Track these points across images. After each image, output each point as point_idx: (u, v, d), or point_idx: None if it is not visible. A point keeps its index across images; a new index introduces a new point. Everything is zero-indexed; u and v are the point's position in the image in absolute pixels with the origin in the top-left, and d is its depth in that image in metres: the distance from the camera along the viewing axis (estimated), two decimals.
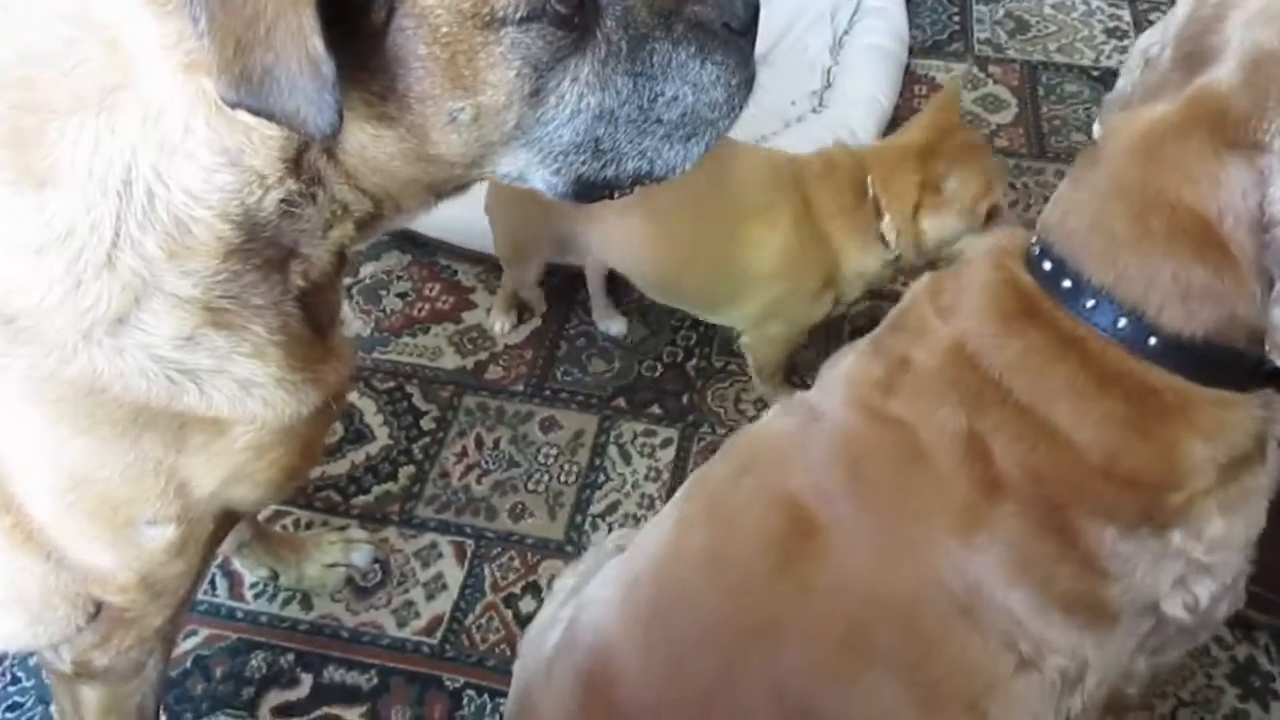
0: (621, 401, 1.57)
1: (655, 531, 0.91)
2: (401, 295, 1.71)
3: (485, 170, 0.74)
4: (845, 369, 0.86)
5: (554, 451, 1.50)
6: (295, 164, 0.68)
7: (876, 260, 1.39)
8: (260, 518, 1.35)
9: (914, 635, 0.75)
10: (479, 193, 1.71)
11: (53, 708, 1.18)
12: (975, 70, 1.41)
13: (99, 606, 0.83)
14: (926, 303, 0.84)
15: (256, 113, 0.59)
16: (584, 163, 0.74)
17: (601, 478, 1.47)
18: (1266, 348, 0.70)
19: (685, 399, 1.57)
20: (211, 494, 0.78)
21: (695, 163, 0.79)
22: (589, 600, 0.92)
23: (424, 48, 0.63)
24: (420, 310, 1.69)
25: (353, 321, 1.66)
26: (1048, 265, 0.78)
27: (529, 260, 1.56)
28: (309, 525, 1.41)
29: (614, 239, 1.42)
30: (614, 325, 1.65)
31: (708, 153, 0.78)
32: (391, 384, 1.58)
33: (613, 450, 1.50)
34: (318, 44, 0.56)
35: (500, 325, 1.66)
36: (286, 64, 0.56)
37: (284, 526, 1.40)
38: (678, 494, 0.94)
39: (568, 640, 0.90)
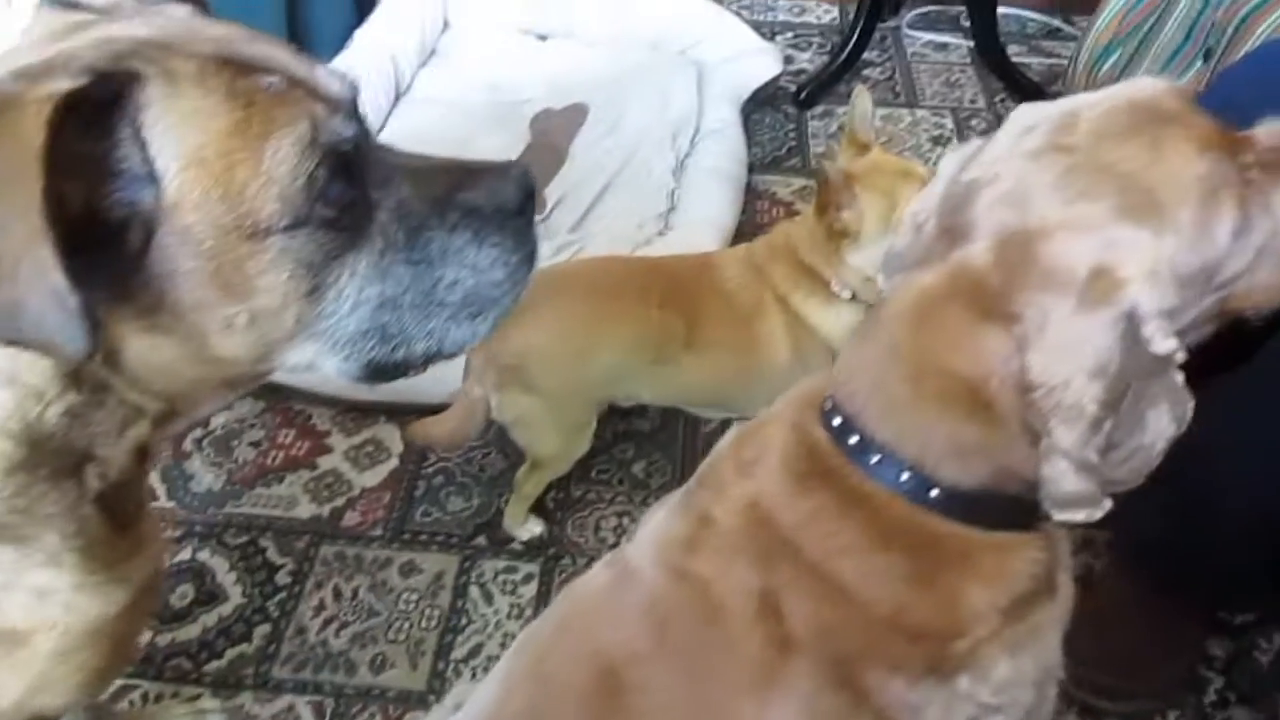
0: (482, 539, 1.57)
1: (484, 690, 0.92)
2: (254, 444, 1.70)
3: (274, 364, 0.76)
4: (654, 526, 0.89)
5: (414, 596, 1.49)
6: (75, 377, 0.69)
7: (845, 310, 1.44)
8: (101, 696, 1.31)
9: None
10: None
11: None
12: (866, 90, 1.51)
13: None
14: (729, 460, 0.87)
15: (11, 343, 0.61)
16: (373, 348, 0.76)
17: (464, 620, 1.46)
18: (1041, 500, 0.74)
19: (545, 532, 1.58)
20: (16, 704, 0.77)
21: (486, 337, 0.82)
22: None
23: (190, 262, 0.65)
24: (274, 459, 1.68)
25: (203, 475, 1.64)
26: (838, 421, 0.82)
27: (591, 426, 1.50)
28: (158, 698, 1.37)
29: (660, 384, 1.47)
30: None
31: (497, 327, 0.82)
32: (244, 539, 1.56)
33: (474, 590, 1.50)
34: (59, 279, 0.57)
35: (532, 529, 1.57)
36: (32, 299, 0.58)
37: (130, 702, 1.36)
38: (508, 650, 0.95)
39: None
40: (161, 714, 1.32)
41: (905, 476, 0.78)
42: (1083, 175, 0.70)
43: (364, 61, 2.29)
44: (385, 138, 2.28)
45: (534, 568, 1.53)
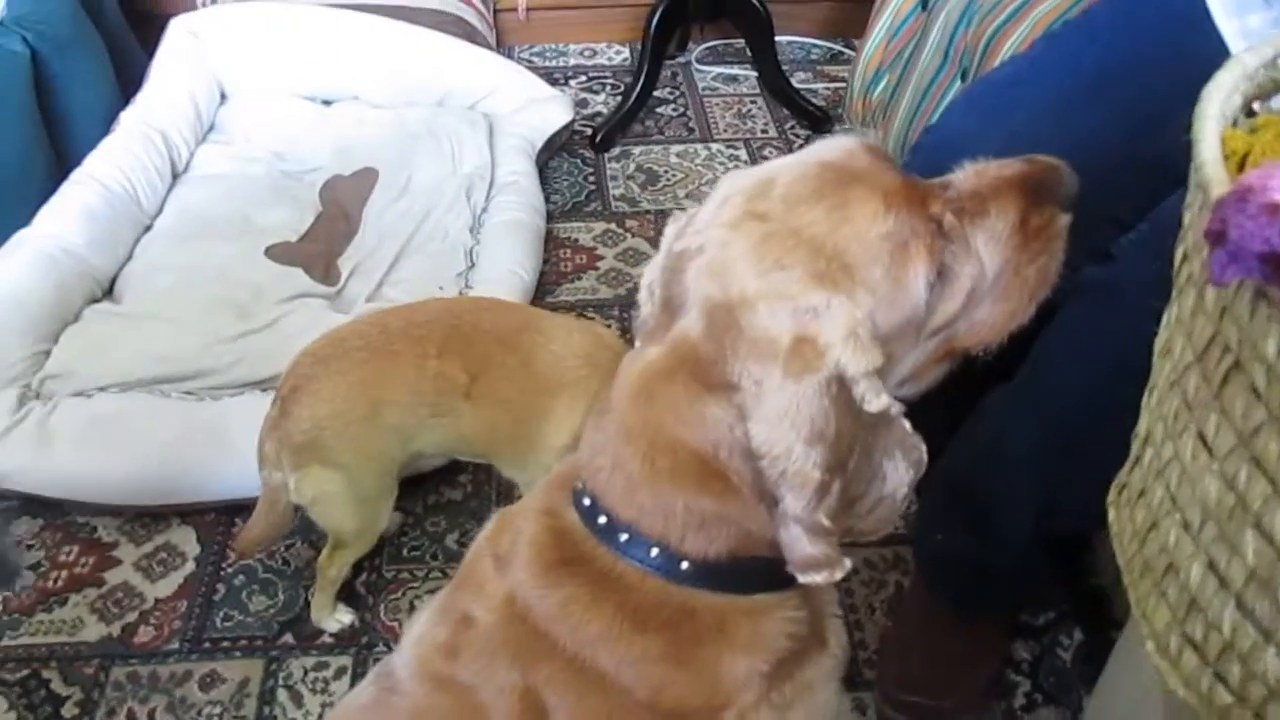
0: (289, 637, 1.50)
1: None
2: (33, 567, 1.58)
3: None
4: (416, 633, 0.85)
5: (217, 710, 1.41)
6: None
7: None
8: None
9: None
10: (105, 438, 1.62)
11: None
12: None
13: None
14: (486, 555, 0.85)
15: None
16: None
17: None
18: (788, 564, 0.74)
19: (358, 619, 1.52)
20: None
21: None
22: None
23: None
24: (56, 580, 1.57)
25: None
26: (587, 502, 0.81)
27: (392, 495, 1.47)
28: None
29: (451, 436, 1.43)
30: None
31: None
32: (25, 672, 1.44)
33: (282, 694, 1.43)
34: None
35: (342, 618, 1.51)
36: None
37: None
38: None
39: None
40: None
41: (654, 553, 0.77)
42: (776, 244, 0.70)
43: (134, 144, 2.19)
44: (161, 222, 2.19)
45: (346, 660, 1.47)
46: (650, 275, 0.85)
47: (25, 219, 1.95)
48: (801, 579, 0.74)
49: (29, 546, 1.61)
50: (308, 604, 1.53)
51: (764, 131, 2.68)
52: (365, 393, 1.37)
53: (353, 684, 1.43)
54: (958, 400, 1.19)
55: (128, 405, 1.68)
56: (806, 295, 0.69)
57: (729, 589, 0.78)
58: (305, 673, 1.45)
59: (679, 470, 0.75)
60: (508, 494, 1.69)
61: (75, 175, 2.07)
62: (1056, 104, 1.20)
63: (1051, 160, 0.81)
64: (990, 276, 0.78)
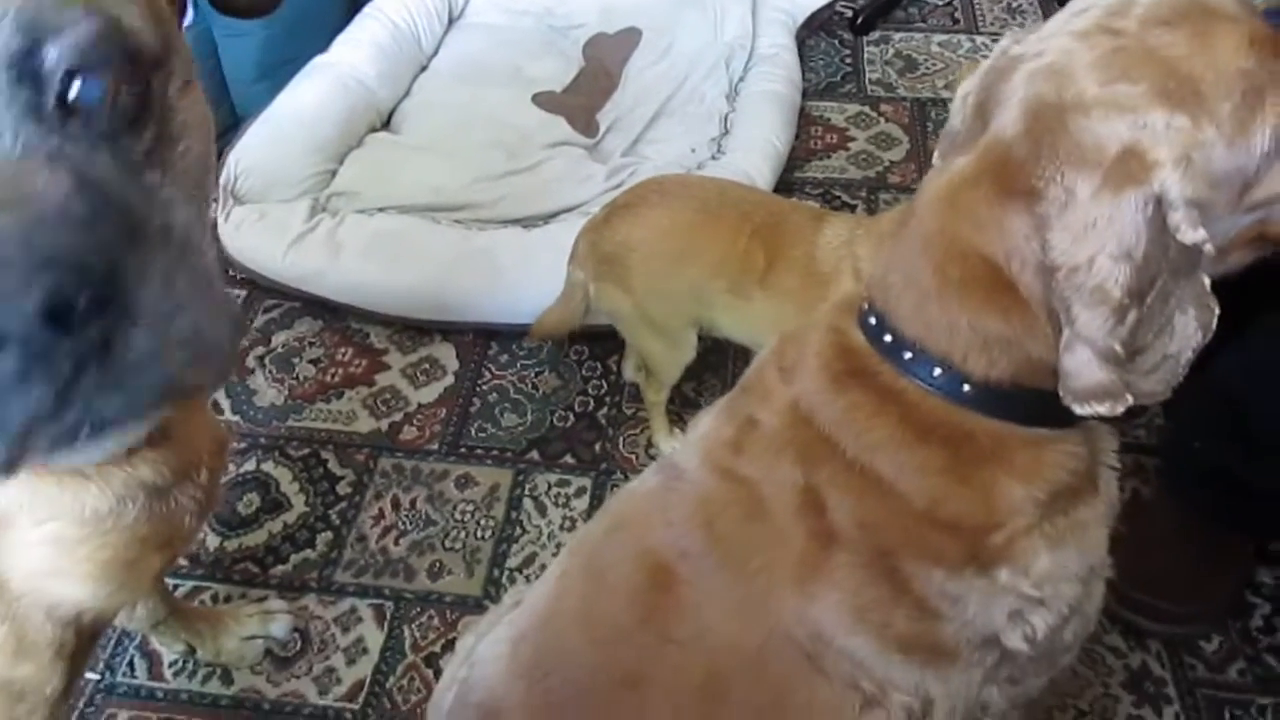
0: (535, 454, 1.61)
1: (540, 588, 0.96)
2: (314, 362, 1.75)
3: None
4: (702, 430, 0.91)
5: (470, 508, 1.54)
6: None
7: None
8: (177, 593, 1.38)
9: (765, 683, 0.79)
10: (388, 253, 1.76)
11: None
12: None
13: None
14: (771, 365, 0.89)
15: None
16: None
17: (518, 531, 1.51)
18: (1060, 391, 0.75)
19: (597, 447, 1.62)
20: (23, 590, 0.80)
21: None
22: (479, 659, 0.96)
23: None
24: (333, 376, 1.73)
25: (266, 391, 1.70)
26: (873, 321, 0.83)
27: (688, 334, 1.51)
28: (227, 598, 1.43)
29: (741, 319, 1.46)
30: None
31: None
32: (306, 451, 1.61)
33: (528, 503, 1.55)
34: None
35: (670, 444, 1.60)
36: None
37: (201, 602, 1.43)
38: (561, 552, 0.99)
39: (460, 700, 0.94)
40: (231, 612, 1.38)
41: (937, 373, 0.78)
42: (1126, 57, 0.70)
43: None
44: (438, 63, 2.30)
45: (586, 481, 1.57)
46: (967, 86, 0.84)
47: (323, 45, 2.09)
48: (1080, 410, 0.73)
49: (310, 344, 1.78)
50: (554, 425, 1.64)
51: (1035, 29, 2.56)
52: (681, 238, 1.43)
53: (592, 503, 1.54)
54: (1237, 308, 1.14)
55: (407, 225, 1.81)
56: (1149, 110, 0.68)
57: (1008, 416, 0.78)
58: (549, 487, 1.57)
59: (969, 281, 0.75)
60: (744, 353, 1.74)
61: (367, 9, 2.21)
62: None
63: None
64: None
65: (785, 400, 0.85)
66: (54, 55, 0.55)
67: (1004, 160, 0.74)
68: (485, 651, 0.96)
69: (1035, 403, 0.78)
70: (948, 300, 0.77)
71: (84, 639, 0.88)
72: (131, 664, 1.36)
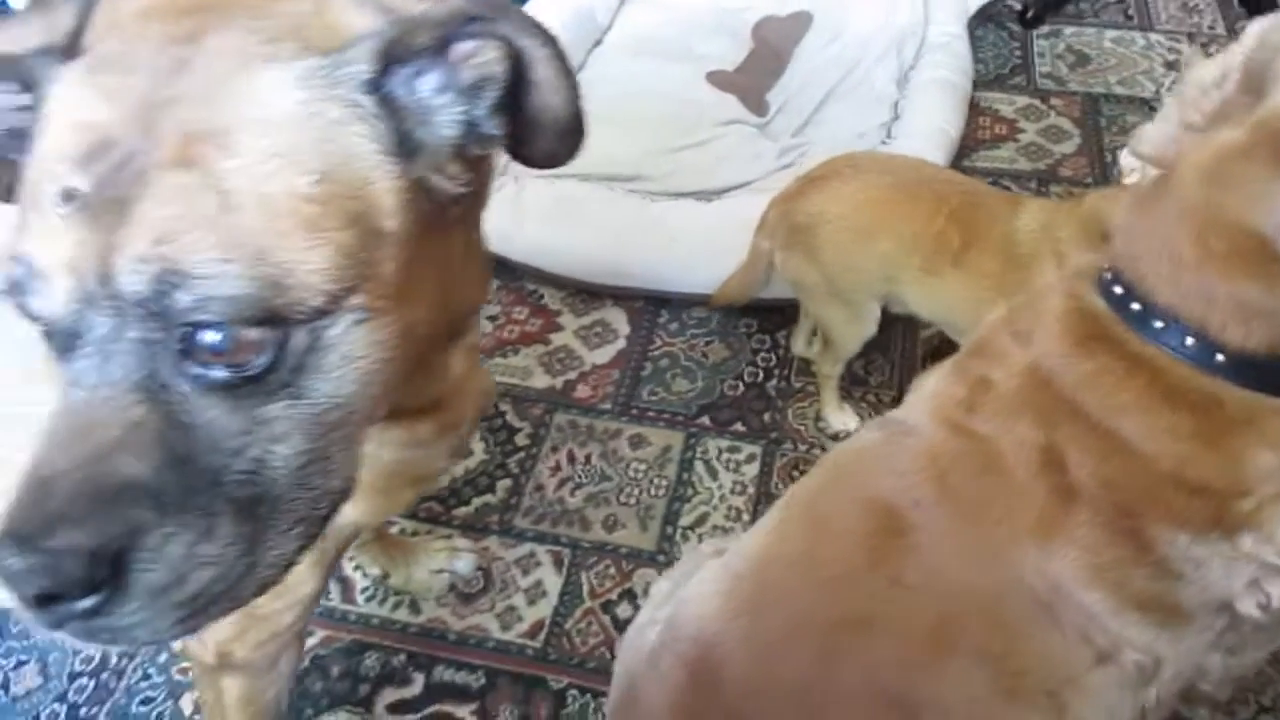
0: (706, 419, 1.66)
1: (754, 538, 0.99)
2: (491, 318, 1.81)
3: None
4: (930, 389, 0.94)
5: (643, 467, 1.59)
6: None
7: None
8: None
9: (999, 629, 0.82)
10: (569, 218, 1.82)
11: (195, 697, 1.30)
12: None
13: None
14: (1003, 329, 0.91)
15: None
16: None
17: (689, 491, 1.55)
18: None
19: (766, 417, 1.65)
20: (352, 522, 0.87)
21: None
22: (690, 598, 1.00)
23: None
24: (510, 333, 1.79)
25: None
26: (1118, 290, 0.85)
27: (871, 307, 1.53)
28: (414, 534, 1.51)
29: (931, 296, 1.48)
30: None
31: None
32: None
33: (699, 465, 1.59)
34: None
35: (846, 421, 1.63)
36: None
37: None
38: (775, 505, 1.02)
39: (671, 633, 0.98)
40: (423, 545, 1.45)
41: (1190, 341, 0.80)
42: None
43: None
44: (612, 38, 2.34)
45: (756, 449, 1.61)
46: (1209, 70, 0.86)
47: None
48: None
49: (487, 301, 1.85)
50: (724, 394, 1.68)
51: (1211, 27, 2.51)
52: (875, 213, 1.45)
53: (762, 470, 1.57)
54: None
55: (587, 192, 1.87)
56: None
57: (1261, 386, 0.80)
58: (720, 452, 1.61)
59: (1233, 254, 0.77)
60: (911, 333, 1.75)
61: None
62: None
63: None
64: None
65: (1023, 362, 0.87)
66: (186, 301, 0.54)
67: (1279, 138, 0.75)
68: (695, 591, 1.00)
69: None
70: (1209, 270, 0.78)
71: (339, 550, 0.95)
72: (328, 588, 1.44)
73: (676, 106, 2.08)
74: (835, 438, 1.61)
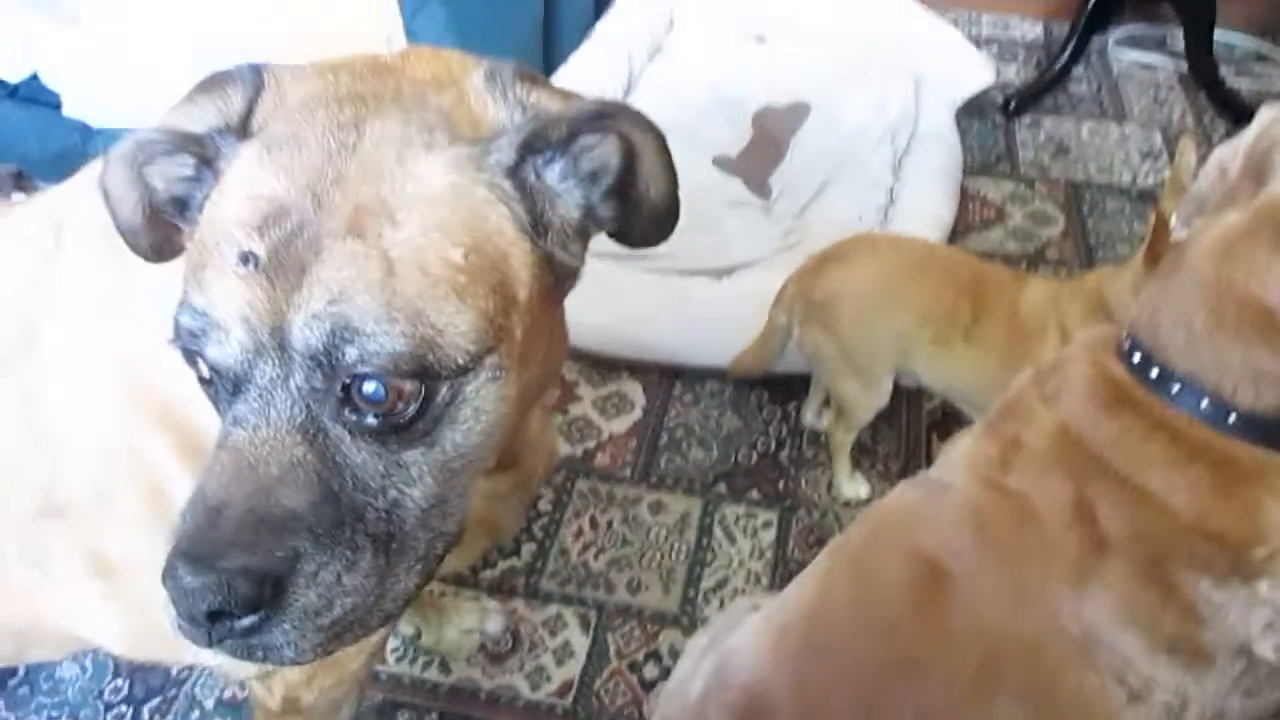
0: (722, 487, 1.72)
1: (798, 589, 1.05)
2: None
3: None
4: (964, 449, 1.01)
5: (663, 532, 1.65)
6: None
7: None
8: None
9: (1038, 670, 0.88)
10: (583, 289, 1.89)
11: None
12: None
13: None
14: (1032, 392, 0.99)
15: None
16: None
17: (710, 556, 1.61)
18: None
19: (781, 485, 1.72)
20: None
21: None
22: (735, 649, 1.05)
23: None
24: None
25: None
26: (1138, 357, 0.93)
27: (886, 379, 1.60)
28: (440, 595, 1.55)
29: (941, 368, 1.55)
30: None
31: None
32: None
33: (718, 531, 1.65)
34: None
35: (858, 489, 1.69)
36: None
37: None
38: (817, 558, 1.08)
39: (718, 683, 1.03)
40: (454, 604, 1.49)
41: (1205, 404, 0.88)
42: None
43: (601, 54, 2.49)
44: None
45: (772, 515, 1.67)
46: (1224, 152, 0.96)
47: None
48: None
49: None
50: (738, 462, 1.74)
51: (1181, 118, 2.67)
52: (890, 288, 1.55)
53: (779, 536, 1.63)
54: None
55: (607, 267, 1.94)
56: None
57: (1272, 445, 0.88)
58: (737, 518, 1.67)
59: (1243, 323, 0.86)
60: (916, 405, 1.83)
61: (560, 73, 2.38)
62: None
63: None
64: None
65: (1051, 423, 0.95)
66: (353, 355, 0.60)
67: None
68: (740, 642, 1.06)
69: None
70: (1221, 340, 0.87)
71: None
72: None
73: (686, 189, 2.15)
74: (848, 505, 1.68)
